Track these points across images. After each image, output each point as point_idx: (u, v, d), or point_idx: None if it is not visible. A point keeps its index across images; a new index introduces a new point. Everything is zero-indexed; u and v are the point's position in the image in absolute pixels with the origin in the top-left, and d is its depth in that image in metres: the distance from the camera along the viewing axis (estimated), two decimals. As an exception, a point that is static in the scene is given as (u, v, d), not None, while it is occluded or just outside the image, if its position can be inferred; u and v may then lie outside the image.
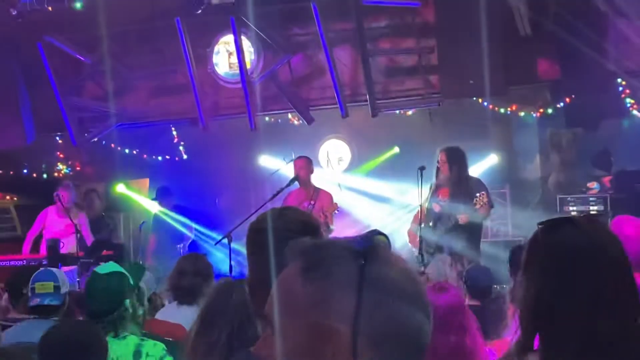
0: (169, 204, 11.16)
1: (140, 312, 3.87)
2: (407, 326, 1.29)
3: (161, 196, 11.16)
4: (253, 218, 2.33)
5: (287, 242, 2.03)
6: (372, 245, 1.32)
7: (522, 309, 2.00)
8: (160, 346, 3.72)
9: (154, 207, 11.28)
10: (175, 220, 11.02)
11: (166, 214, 10.99)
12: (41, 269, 5.15)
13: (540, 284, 1.95)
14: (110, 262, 4.06)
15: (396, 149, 11.23)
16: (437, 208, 7.96)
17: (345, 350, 1.24)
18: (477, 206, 7.46)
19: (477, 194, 7.49)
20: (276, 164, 11.05)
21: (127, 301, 3.77)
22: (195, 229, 11.21)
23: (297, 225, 2.11)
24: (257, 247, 2.12)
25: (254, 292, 2.22)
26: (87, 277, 8.02)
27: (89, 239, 9.62)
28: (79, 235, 9.18)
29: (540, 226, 2.04)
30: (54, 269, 5.03)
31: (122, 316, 3.74)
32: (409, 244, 8.44)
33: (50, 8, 8.64)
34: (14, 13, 8.72)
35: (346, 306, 1.25)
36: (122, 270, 3.87)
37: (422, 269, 7.87)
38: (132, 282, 3.83)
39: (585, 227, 1.99)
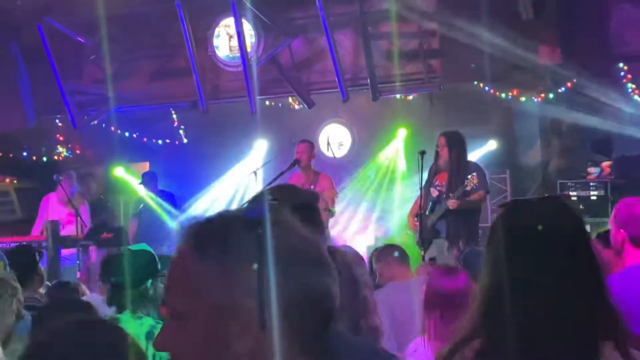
0: (154, 188, 11.11)
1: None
2: (313, 291, 1.25)
3: (146, 181, 11.08)
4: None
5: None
6: (266, 212, 1.27)
7: (477, 292, 1.92)
8: None
9: (140, 191, 11.24)
10: (160, 206, 11.00)
11: (151, 198, 10.96)
12: None
13: (492, 265, 1.87)
14: (143, 244, 4.06)
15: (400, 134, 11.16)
16: (434, 193, 7.94)
17: (253, 325, 1.20)
18: (468, 188, 7.42)
19: (468, 176, 7.46)
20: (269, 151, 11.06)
21: (150, 281, 3.74)
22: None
23: (295, 200, 2.10)
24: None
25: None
26: (86, 258, 8.02)
27: (87, 222, 9.56)
28: (79, 219, 9.16)
29: (499, 208, 1.99)
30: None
31: (143, 294, 3.70)
32: (410, 229, 8.44)
33: (50, -10, 8.61)
34: (13, -5, 8.70)
35: (248, 279, 1.20)
36: (152, 252, 3.86)
37: (423, 253, 7.89)
38: (159, 266, 3.81)
39: (540, 208, 1.93)
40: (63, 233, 8.97)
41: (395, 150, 11.22)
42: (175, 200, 10.96)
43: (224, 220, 1.27)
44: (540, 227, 1.85)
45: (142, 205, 10.73)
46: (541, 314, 1.78)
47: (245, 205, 1.30)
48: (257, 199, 2.20)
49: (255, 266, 1.20)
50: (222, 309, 1.21)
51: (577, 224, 1.91)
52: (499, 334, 1.79)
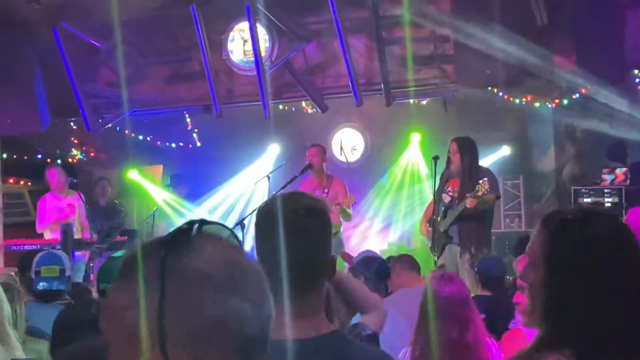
0: (181, 192, 11.23)
1: None
2: (219, 317, 1.16)
3: (174, 183, 11.23)
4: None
5: (295, 224, 2.04)
6: (178, 233, 1.21)
7: (544, 303, 1.89)
8: None
9: (159, 196, 11.32)
10: (178, 212, 11.10)
11: (170, 205, 11.05)
12: (45, 250, 5.05)
13: (568, 278, 1.86)
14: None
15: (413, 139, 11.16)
16: (447, 199, 7.94)
17: (157, 352, 1.14)
18: (479, 193, 7.41)
19: (480, 181, 7.45)
20: (281, 155, 11.12)
21: None
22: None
23: (304, 208, 2.10)
24: (264, 230, 2.11)
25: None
26: (99, 261, 8.08)
27: (83, 217, 9.55)
28: (77, 212, 9.26)
29: (561, 218, 1.95)
30: (59, 252, 4.94)
31: None
32: (422, 234, 8.44)
33: (66, -7, 8.66)
34: (29, -2, 8.75)
35: (150, 304, 1.15)
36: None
37: (435, 259, 7.89)
38: None
39: (607, 220, 1.93)
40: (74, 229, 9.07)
41: (408, 155, 11.22)
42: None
43: (145, 244, 1.23)
44: (620, 239, 1.89)
45: (155, 209, 10.84)
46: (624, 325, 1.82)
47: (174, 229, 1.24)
48: (272, 201, 2.20)
49: (155, 292, 1.15)
50: (131, 333, 1.16)
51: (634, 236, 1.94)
52: (593, 344, 1.81)
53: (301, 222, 2.06)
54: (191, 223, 1.23)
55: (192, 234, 1.21)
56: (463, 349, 3.65)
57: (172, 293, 1.15)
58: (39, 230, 9.59)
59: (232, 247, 1.24)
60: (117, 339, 1.19)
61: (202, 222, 1.24)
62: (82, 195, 9.49)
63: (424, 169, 10.85)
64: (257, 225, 2.13)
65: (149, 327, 1.15)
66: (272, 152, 11.57)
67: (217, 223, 1.27)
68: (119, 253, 3.91)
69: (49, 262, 4.61)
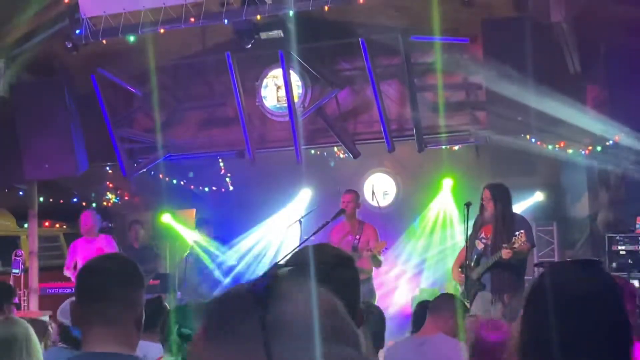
0: (210, 234, 11.34)
1: None
2: None
3: (201, 225, 11.38)
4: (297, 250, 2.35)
5: (322, 275, 2.06)
6: (270, 285, 1.14)
7: (516, 345, 2.03)
8: None
9: (191, 238, 11.42)
10: (207, 252, 11.19)
11: (202, 246, 11.14)
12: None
13: (533, 322, 1.99)
14: None
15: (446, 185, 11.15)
16: (480, 245, 7.90)
17: None
18: (516, 245, 7.36)
19: (517, 233, 7.41)
20: (313, 199, 11.18)
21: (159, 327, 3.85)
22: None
23: (331, 258, 2.12)
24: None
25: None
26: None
27: None
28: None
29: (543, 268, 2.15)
30: None
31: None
32: (454, 281, 8.38)
33: (104, 41, 8.84)
34: (69, 46, 8.94)
35: None
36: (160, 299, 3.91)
37: (468, 306, 7.82)
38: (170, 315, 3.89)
39: (586, 272, 2.03)
40: None
41: (440, 201, 11.20)
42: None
43: (227, 299, 1.16)
44: (575, 291, 1.97)
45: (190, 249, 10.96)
46: None
47: (253, 279, 1.20)
48: (300, 253, 2.23)
49: (261, 347, 1.08)
50: None
51: (617, 291, 2.01)
52: None
53: (330, 273, 2.08)
54: (277, 269, 1.19)
55: (285, 284, 1.15)
56: None
57: (279, 349, 1.07)
58: (65, 273, 9.63)
59: (327, 295, 1.18)
60: None
61: (287, 268, 1.22)
62: (114, 239, 9.58)
63: (455, 215, 10.81)
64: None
65: None
66: (303, 197, 11.63)
67: (297, 266, 1.24)
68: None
69: None
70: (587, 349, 1.91)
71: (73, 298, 2.63)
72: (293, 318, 1.10)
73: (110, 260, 2.69)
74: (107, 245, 9.46)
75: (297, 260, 2.15)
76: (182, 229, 11.88)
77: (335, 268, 2.10)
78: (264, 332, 1.08)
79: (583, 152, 9.63)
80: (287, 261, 2.24)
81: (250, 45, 9.12)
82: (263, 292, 1.12)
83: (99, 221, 9.80)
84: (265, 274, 1.18)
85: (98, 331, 2.46)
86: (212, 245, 11.38)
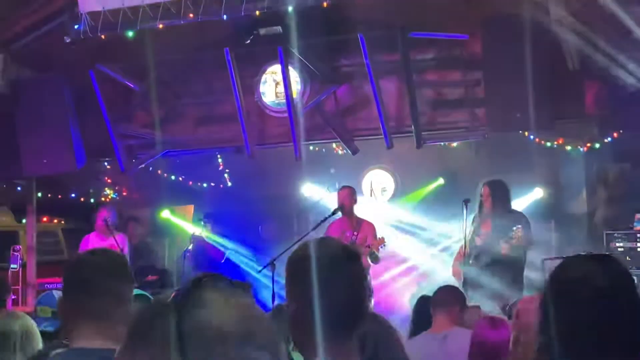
0: (213, 229, 11.35)
1: None
2: None
3: (207, 222, 11.37)
4: (296, 246, 2.31)
5: (330, 269, 2.05)
6: (188, 293, 1.18)
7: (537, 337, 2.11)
8: None
9: (192, 229, 11.43)
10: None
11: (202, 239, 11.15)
12: (46, 292, 5.07)
13: (556, 316, 2.03)
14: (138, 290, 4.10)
15: (441, 180, 11.19)
16: (478, 242, 7.91)
17: None
18: (513, 240, 7.38)
19: (514, 227, 7.42)
20: (319, 193, 11.17)
21: None
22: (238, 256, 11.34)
23: (339, 252, 2.12)
24: (298, 276, 2.12)
25: (296, 322, 2.13)
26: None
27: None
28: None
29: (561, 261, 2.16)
30: (57, 292, 4.93)
31: None
32: (454, 277, 8.40)
33: (103, 36, 8.83)
34: (67, 41, 8.93)
35: None
36: (147, 294, 3.87)
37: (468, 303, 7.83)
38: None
39: (603, 266, 2.07)
40: None
41: (438, 197, 11.19)
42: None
43: (149, 307, 1.20)
44: (600, 284, 2.02)
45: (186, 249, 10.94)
46: None
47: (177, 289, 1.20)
48: (306, 247, 2.21)
49: (177, 353, 1.11)
50: None
51: (633, 283, 2.08)
52: None
53: (339, 267, 2.07)
54: (199, 280, 1.22)
55: (203, 292, 1.19)
56: None
57: (193, 354, 1.12)
58: None
59: (244, 301, 1.22)
60: None
61: (210, 278, 1.23)
62: (126, 237, 9.61)
63: (454, 212, 10.80)
64: (291, 272, 2.14)
65: None
66: (303, 193, 11.62)
67: (224, 278, 1.26)
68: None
69: (43, 302, 4.62)
70: (618, 339, 1.98)
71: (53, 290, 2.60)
72: (207, 324, 1.14)
73: (99, 255, 2.66)
74: (120, 243, 9.37)
75: (304, 253, 2.13)
76: (185, 224, 11.89)
77: (342, 262, 2.10)
78: (178, 336, 1.11)
79: (581, 149, 9.63)
80: (292, 254, 2.22)
81: (249, 41, 9.10)
82: (180, 300, 1.16)
83: (115, 219, 9.80)
84: (186, 282, 1.21)
85: (86, 326, 2.44)
86: (215, 241, 11.41)
